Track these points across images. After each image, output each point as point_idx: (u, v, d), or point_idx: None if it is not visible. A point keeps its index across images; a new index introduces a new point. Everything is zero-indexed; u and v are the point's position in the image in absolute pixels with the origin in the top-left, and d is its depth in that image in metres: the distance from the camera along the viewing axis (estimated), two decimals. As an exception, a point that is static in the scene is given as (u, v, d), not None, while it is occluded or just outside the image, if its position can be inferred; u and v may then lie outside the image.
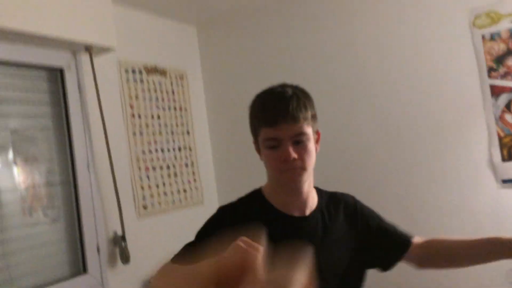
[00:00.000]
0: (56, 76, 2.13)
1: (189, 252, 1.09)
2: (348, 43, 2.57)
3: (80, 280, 2.06)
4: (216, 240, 0.98)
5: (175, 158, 2.61)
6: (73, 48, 2.12)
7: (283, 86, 1.13)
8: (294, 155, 1.05)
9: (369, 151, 2.52)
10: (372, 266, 1.22)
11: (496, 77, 2.28)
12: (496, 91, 2.28)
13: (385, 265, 1.21)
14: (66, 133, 2.11)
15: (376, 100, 2.50)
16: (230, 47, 2.92)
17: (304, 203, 1.14)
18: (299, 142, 1.07)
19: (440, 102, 2.36)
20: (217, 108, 2.98)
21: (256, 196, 1.18)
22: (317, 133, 1.15)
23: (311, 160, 1.09)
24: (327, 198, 1.21)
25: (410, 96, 2.42)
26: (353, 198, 1.25)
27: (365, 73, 2.52)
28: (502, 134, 2.27)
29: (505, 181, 2.26)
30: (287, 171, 1.08)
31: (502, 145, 2.27)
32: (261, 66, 2.82)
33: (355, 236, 1.17)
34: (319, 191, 1.22)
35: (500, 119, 2.27)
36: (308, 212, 1.15)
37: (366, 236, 1.18)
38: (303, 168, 1.08)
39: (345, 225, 1.17)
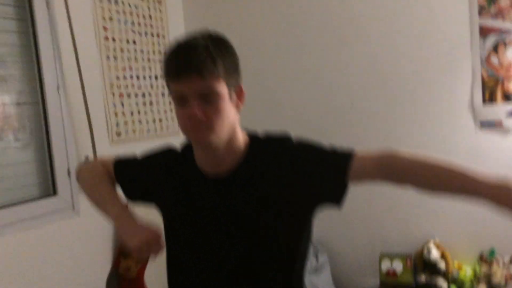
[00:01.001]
0: (23, -10, 2.01)
1: (128, 165, 1.27)
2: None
3: (50, 201, 2.05)
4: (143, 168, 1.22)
5: (151, 86, 2.54)
6: (41, -39, 1.99)
7: (197, 37, 0.99)
8: (199, 114, 0.95)
9: (355, 91, 2.49)
10: (324, 201, 1.05)
11: (486, 17, 2.21)
12: (484, 32, 2.23)
13: (335, 197, 1.03)
14: (34, 52, 2.03)
15: (364, 39, 2.44)
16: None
17: (219, 162, 1.05)
18: (208, 100, 0.96)
19: (429, 40, 2.32)
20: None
21: (190, 149, 1.11)
22: (238, 88, 1.03)
23: (223, 120, 0.97)
24: (257, 152, 1.07)
25: (400, 34, 2.37)
26: (280, 143, 1.08)
27: (354, 13, 2.45)
28: (486, 76, 2.23)
29: (483, 124, 2.25)
30: (193, 131, 0.99)
31: (485, 87, 2.25)
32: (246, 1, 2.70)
33: (292, 181, 1.03)
34: (255, 143, 1.08)
35: (486, 60, 2.24)
36: (225, 170, 1.06)
37: (304, 174, 1.03)
38: (210, 129, 0.97)
39: (277, 177, 1.04)
